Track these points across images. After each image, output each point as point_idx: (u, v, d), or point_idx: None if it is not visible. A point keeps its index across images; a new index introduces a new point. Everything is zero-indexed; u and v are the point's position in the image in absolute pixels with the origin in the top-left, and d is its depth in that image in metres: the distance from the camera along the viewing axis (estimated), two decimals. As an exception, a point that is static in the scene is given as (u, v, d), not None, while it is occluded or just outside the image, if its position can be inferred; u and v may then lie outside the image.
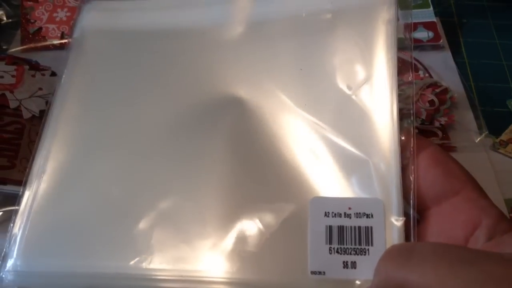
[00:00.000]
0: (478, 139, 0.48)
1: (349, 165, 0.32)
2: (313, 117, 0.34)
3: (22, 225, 0.34)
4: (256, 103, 0.36)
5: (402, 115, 0.32)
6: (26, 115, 0.44)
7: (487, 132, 0.48)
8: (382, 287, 0.26)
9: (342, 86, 0.35)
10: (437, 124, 0.48)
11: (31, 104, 0.45)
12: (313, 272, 0.29)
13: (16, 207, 0.35)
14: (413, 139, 0.31)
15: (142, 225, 0.33)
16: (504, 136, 0.47)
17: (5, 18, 0.56)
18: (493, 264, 0.22)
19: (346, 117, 0.33)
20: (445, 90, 0.50)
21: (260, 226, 0.32)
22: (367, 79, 0.34)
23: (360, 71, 0.35)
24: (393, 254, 0.26)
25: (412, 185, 0.30)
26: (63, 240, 0.33)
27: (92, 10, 0.43)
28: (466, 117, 0.50)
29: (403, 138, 0.31)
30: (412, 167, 0.30)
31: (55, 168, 0.36)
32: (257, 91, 0.36)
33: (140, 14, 0.42)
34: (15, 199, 0.41)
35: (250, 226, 0.32)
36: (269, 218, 0.32)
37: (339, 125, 0.33)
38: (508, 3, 0.61)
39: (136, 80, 0.39)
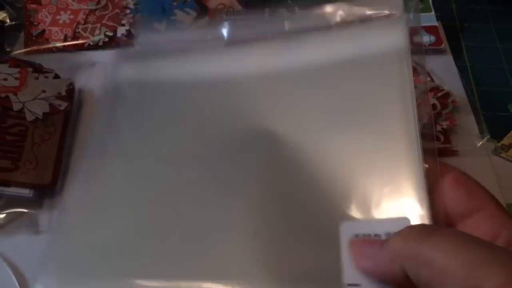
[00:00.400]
0: (480, 143, 0.48)
1: (378, 191, 0.34)
2: (340, 147, 0.36)
3: (54, 249, 0.36)
4: (284, 137, 0.38)
5: (424, 136, 0.34)
6: (29, 117, 0.44)
7: (488, 137, 0.48)
8: (394, 258, 0.27)
9: (365, 117, 0.37)
10: (438, 128, 0.48)
11: (35, 107, 0.45)
12: (350, 285, 0.30)
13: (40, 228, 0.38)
14: (437, 162, 0.33)
15: (174, 254, 0.34)
16: (505, 141, 0.47)
17: (8, 21, 0.57)
18: None
19: (371, 146, 0.35)
20: (447, 94, 0.50)
21: (293, 251, 0.33)
22: (389, 112, 0.36)
23: (381, 105, 0.37)
24: (414, 229, 0.27)
25: (440, 208, 0.31)
26: (95, 264, 0.35)
27: (126, 65, 0.46)
28: (468, 121, 0.50)
29: (426, 165, 0.33)
30: (439, 189, 0.32)
31: (89, 197, 0.38)
32: (283, 127, 0.38)
33: (172, 67, 0.45)
34: (18, 201, 0.42)
35: (283, 251, 0.33)
36: (302, 243, 0.33)
37: (365, 153, 0.35)
38: (510, 8, 0.61)
39: (166, 122, 0.42)
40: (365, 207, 0.33)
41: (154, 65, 0.45)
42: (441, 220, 0.31)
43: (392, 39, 0.39)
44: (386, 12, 0.41)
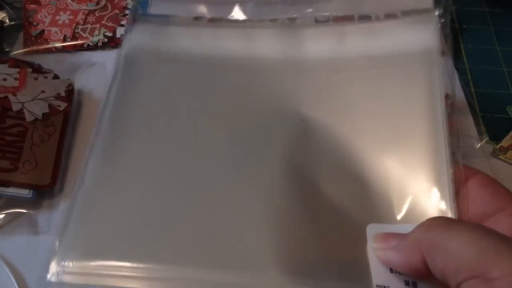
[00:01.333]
0: (478, 145, 0.48)
1: (406, 192, 0.34)
2: (370, 146, 0.37)
3: (71, 230, 0.35)
4: (312, 124, 0.38)
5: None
6: (29, 118, 0.44)
7: (487, 139, 0.48)
8: (415, 246, 0.28)
9: (396, 120, 0.37)
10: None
11: (34, 107, 0.45)
12: (378, 286, 0.30)
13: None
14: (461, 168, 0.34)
15: (195, 235, 0.34)
16: (504, 143, 0.47)
17: (7, 21, 0.56)
18: None
19: (402, 148, 0.36)
20: (446, 96, 0.50)
21: (317, 245, 0.33)
22: (419, 116, 0.37)
23: (410, 108, 0.37)
24: (436, 220, 0.28)
25: (464, 208, 0.32)
26: (113, 248, 0.34)
27: (142, 31, 0.45)
28: (467, 123, 0.50)
29: (451, 170, 0.34)
30: (464, 191, 0.33)
31: (109, 182, 0.37)
32: (312, 115, 0.38)
33: (193, 40, 0.44)
34: (17, 202, 0.42)
35: (305, 239, 0.33)
36: (327, 240, 0.33)
37: (395, 155, 0.36)
38: (509, 10, 0.61)
39: (187, 101, 0.41)
40: (392, 209, 0.34)
41: (172, 36, 0.44)
42: (464, 218, 0.32)
43: (424, 38, 0.39)
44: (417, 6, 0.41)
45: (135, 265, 0.33)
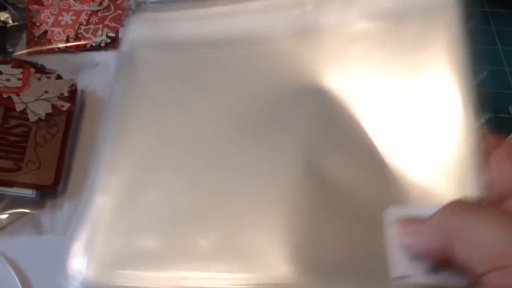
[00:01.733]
0: (481, 145, 0.48)
1: (427, 170, 0.32)
2: (389, 122, 0.34)
3: (88, 238, 0.34)
4: (323, 102, 0.36)
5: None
6: (32, 118, 0.44)
7: (490, 138, 0.48)
8: (436, 232, 0.26)
9: (415, 90, 0.35)
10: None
11: (37, 107, 0.45)
12: (397, 277, 0.29)
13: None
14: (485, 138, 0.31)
15: (210, 234, 0.33)
16: (506, 142, 0.47)
17: (10, 21, 0.57)
18: None
19: (422, 122, 0.34)
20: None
21: (332, 233, 0.32)
22: (441, 83, 0.34)
23: (432, 75, 0.35)
24: (458, 204, 0.27)
25: (491, 182, 0.30)
26: (131, 251, 0.34)
27: (139, 22, 0.43)
28: (469, 123, 0.49)
29: (477, 139, 0.32)
30: (490, 162, 0.30)
31: (119, 182, 0.36)
32: (324, 92, 0.37)
33: (192, 23, 0.43)
34: (21, 202, 0.42)
35: (321, 234, 0.32)
36: (343, 226, 0.32)
37: (416, 129, 0.34)
38: (511, 10, 0.61)
39: (193, 89, 0.39)
40: (413, 190, 0.32)
41: (172, 22, 0.43)
42: (491, 194, 0.30)
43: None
44: None
45: (154, 274, 0.33)
